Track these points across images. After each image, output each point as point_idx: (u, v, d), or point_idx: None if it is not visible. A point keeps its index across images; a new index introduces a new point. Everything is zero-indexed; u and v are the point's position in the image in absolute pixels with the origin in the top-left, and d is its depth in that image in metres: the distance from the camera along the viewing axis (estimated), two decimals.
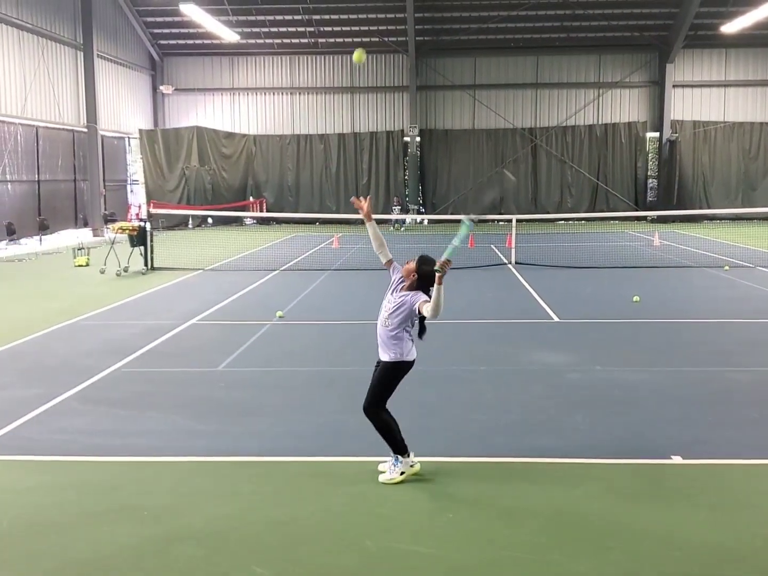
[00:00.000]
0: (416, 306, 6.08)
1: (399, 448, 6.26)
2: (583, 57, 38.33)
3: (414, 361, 6.34)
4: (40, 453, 6.95)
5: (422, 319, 6.23)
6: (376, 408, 6.28)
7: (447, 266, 5.72)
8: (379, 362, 6.39)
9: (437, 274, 5.69)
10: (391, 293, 6.38)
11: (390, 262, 6.56)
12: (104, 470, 6.58)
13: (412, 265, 6.26)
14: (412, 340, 6.33)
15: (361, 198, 6.74)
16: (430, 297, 5.98)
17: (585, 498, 5.93)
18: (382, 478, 6.27)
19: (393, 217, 34.09)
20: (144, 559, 5.03)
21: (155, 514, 5.70)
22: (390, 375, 6.28)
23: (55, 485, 6.27)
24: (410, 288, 6.26)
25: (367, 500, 5.92)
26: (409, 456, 6.29)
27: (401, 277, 6.38)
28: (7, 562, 5.02)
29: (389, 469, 6.28)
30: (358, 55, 6.48)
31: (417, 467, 6.32)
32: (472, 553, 5.06)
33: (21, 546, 5.23)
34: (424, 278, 6.17)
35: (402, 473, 6.24)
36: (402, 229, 34.46)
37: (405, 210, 36.54)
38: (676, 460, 6.67)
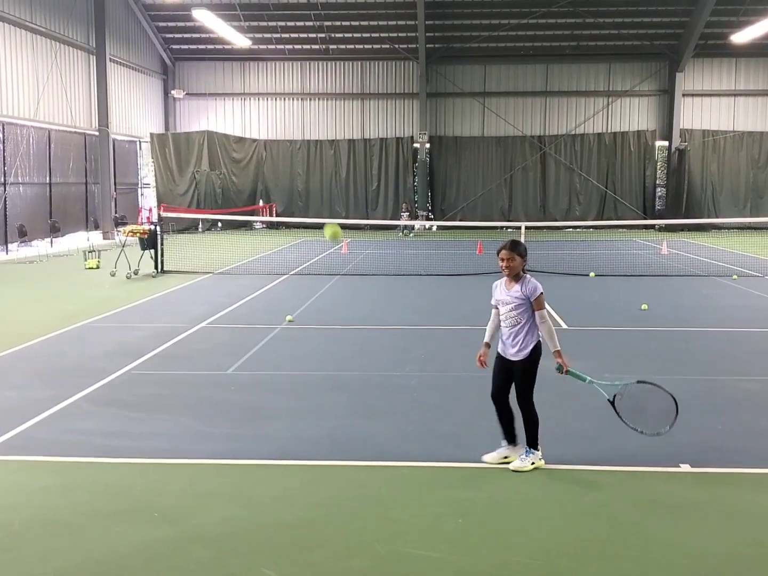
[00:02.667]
0: (534, 299, 6.48)
1: (535, 440, 6.57)
2: (593, 65, 38.35)
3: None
4: (52, 454, 6.99)
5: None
6: (528, 402, 6.59)
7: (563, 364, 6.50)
8: (501, 359, 6.67)
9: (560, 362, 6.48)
10: (504, 294, 6.66)
11: (497, 309, 6.83)
12: (115, 471, 6.61)
13: (504, 254, 6.59)
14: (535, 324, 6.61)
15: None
16: (523, 269, 6.59)
17: (594, 505, 5.94)
18: (513, 465, 6.52)
19: (401, 223, 34.12)
20: (154, 561, 5.06)
21: (166, 515, 5.74)
22: (532, 367, 6.59)
23: (66, 486, 6.31)
24: (517, 278, 6.60)
25: (377, 504, 5.95)
26: (539, 450, 6.58)
27: (498, 283, 6.77)
28: (20, 562, 5.05)
29: (521, 458, 6.55)
30: (331, 231, 6.55)
31: (543, 461, 6.61)
32: (481, 558, 5.08)
33: (33, 546, 5.27)
34: (524, 255, 6.58)
35: (533, 464, 6.52)
36: (411, 235, 34.46)
37: (414, 216, 36.54)
38: (685, 468, 6.67)
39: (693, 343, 11.96)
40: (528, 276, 6.62)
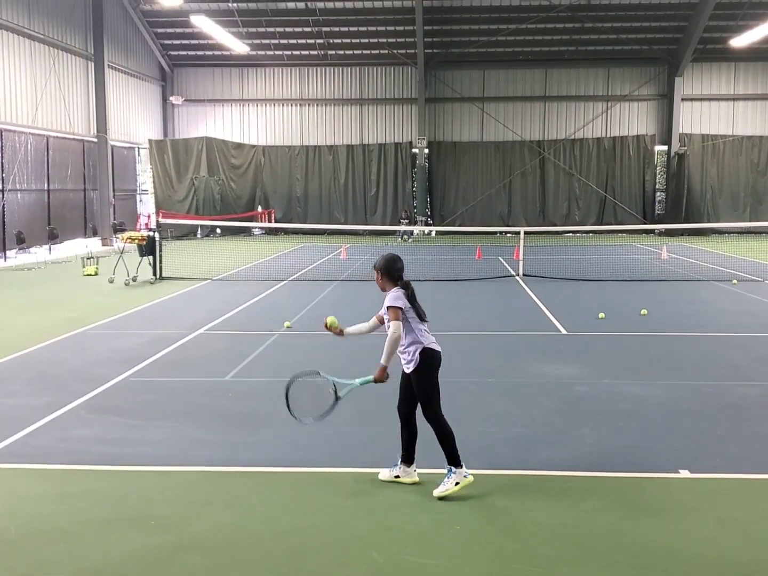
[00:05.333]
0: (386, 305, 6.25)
1: (455, 458, 6.22)
2: (592, 70, 38.41)
3: (439, 352, 6.34)
4: (49, 461, 6.97)
5: (413, 305, 6.30)
6: (434, 414, 6.26)
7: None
8: (404, 375, 6.40)
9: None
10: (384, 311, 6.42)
11: (380, 317, 6.60)
12: (112, 479, 6.59)
13: (376, 274, 6.49)
14: (422, 330, 6.32)
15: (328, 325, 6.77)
16: (399, 286, 6.33)
17: (592, 511, 5.92)
18: (436, 492, 6.15)
19: (401, 228, 34.11)
20: (151, 569, 5.03)
21: (162, 523, 5.71)
22: (425, 375, 6.25)
23: (63, 494, 6.29)
24: (384, 290, 6.46)
25: (374, 511, 5.92)
26: (462, 467, 6.21)
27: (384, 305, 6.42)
28: (16, 570, 5.02)
29: (444, 481, 6.19)
30: (331, 320, 6.72)
31: (470, 478, 6.21)
32: (479, 566, 5.05)
33: (29, 554, 5.24)
34: (386, 274, 6.43)
35: (457, 484, 6.15)
36: (410, 240, 34.46)
37: (413, 222, 36.47)
38: (684, 474, 6.65)
39: (692, 348, 11.94)
40: (393, 289, 6.36)
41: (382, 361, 6.17)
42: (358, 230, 36.35)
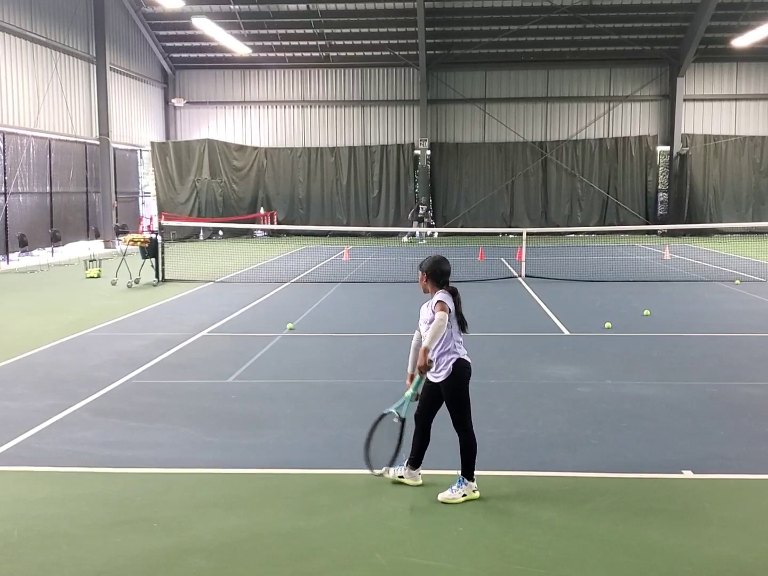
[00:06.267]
0: (434, 308, 6.10)
1: (471, 471, 6.22)
2: (594, 71, 38.35)
3: (470, 363, 6.31)
4: (52, 464, 6.98)
5: (458, 312, 6.24)
6: (465, 424, 6.26)
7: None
8: (428, 384, 6.33)
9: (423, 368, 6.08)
10: (426, 312, 6.33)
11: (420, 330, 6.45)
12: (115, 482, 6.59)
13: (421, 275, 6.36)
14: (458, 341, 6.27)
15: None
16: (445, 289, 6.20)
17: (596, 512, 5.91)
18: (441, 496, 6.15)
19: (405, 229, 33.95)
20: (154, 571, 5.03)
21: (165, 526, 5.71)
22: (458, 386, 6.22)
23: (66, 496, 6.29)
24: (426, 291, 6.37)
25: (377, 513, 5.92)
26: (474, 481, 6.22)
27: (426, 295, 6.42)
28: (19, 573, 5.03)
29: (452, 488, 6.17)
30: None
31: (477, 494, 6.19)
32: (482, 567, 5.05)
33: (32, 557, 5.24)
34: (434, 276, 6.28)
35: (464, 495, 6.13)
36: (422, 241, 33.69)
37: (424, 219, 34.77)
38: (687, 474, 6.64)
39: (695, 349, 11.92)
40: (440, 291, 6.25)
41: (425, 344, 6.01)
42: (361, 232, 36.33)
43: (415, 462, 6.45)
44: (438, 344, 6.14)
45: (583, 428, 7.92)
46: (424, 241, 33.99)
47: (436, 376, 6.23)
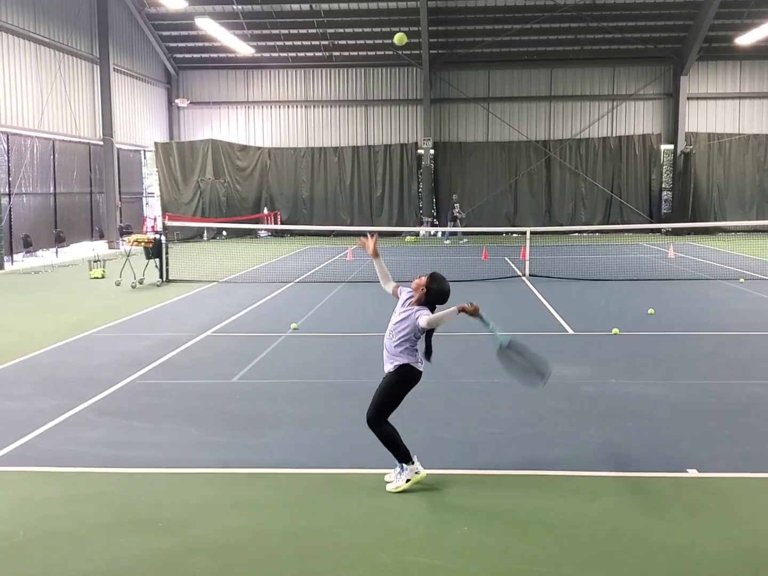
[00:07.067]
0: (417, 320, 6.17)
1: (403, 456, 6.29)
2: (597, 69, 38.31)
3: (421, 373, 6.36)
4: (56, 464, 6.99)
5: (428, 337, 6.31)
6: (378, 420, 6.31)
7: (473, 310, 6.14)
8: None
9: (473, 308, 6.15)
10: (400, 305, 6.44)
11: (396, 287, 6.68)
12: (119, 482, 6.60)
13: (423, 279, 6.36)
14: (418, 351, 6.36)
15: (368, 235, 6.84)
16: (427, 308, 6.27)
17: (600, 511, 5.90)
18: (388, 487, 6.29)
19: (406, 229, 33.83)
20: (158, 571, 5.03)
21: (170, 526, 5.71)
22: (396, 382, 6.30)
23: (70, 497, 6.30)
24: (418, 302, 6.34)
25: (381, 513, 5.91)
26: (413, 463, 6.29)
27: (409, 291, 6.46)
28: (23, 573, 5.03)
29: (395, 477, 6.31)
30: (399, 37, 6.63)
31: (422, 474, 6.30)
32: (486, 566, 5.04)
33: (37, 557, 5.25)
34: (432, 295, 6.31)
35: (407, 480, 6.25)
36: (464, 240, 33.17)
37: (455, 219, 33.84)
38: (692, 473, 6.63)
39: (700, 347, 11.90)
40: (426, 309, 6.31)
41: (452, 307, 6.15)
42: (364, 231, 36.14)
43: (406, 456, 6.34)
44: (402, 338, 6.25)
45: (587, 428, 7.91)
46: (466, 240, 33.48)
47: (391, 363, 6.31)
